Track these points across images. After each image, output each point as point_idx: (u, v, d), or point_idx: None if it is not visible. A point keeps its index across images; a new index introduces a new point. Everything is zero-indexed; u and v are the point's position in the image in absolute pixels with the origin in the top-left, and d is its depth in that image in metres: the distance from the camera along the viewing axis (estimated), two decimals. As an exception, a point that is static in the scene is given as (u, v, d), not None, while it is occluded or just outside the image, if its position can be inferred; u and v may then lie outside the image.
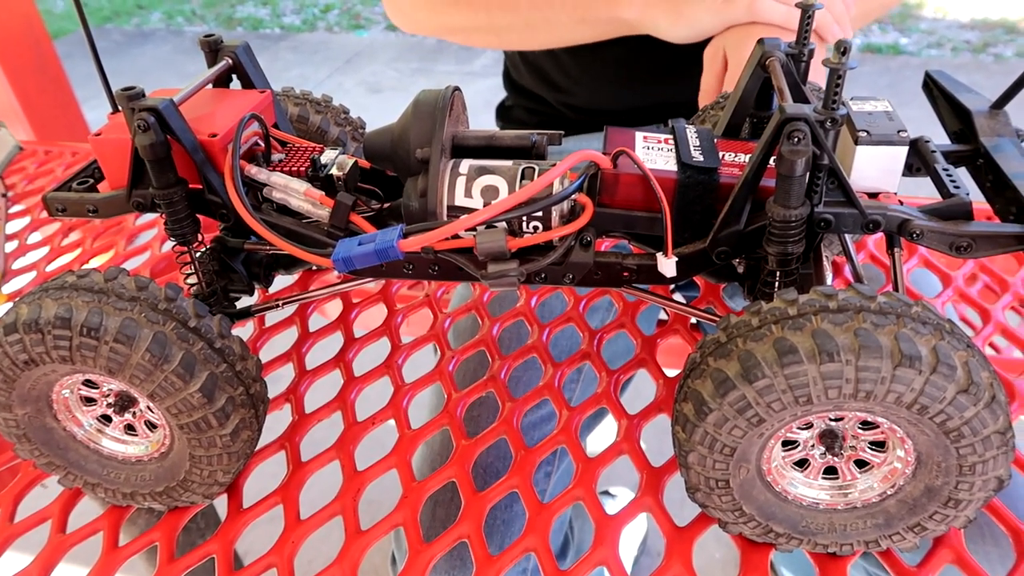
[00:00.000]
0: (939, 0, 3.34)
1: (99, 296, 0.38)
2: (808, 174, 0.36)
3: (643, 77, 0.82)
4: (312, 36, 3.55)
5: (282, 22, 3.75)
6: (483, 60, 3.13)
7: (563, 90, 0.86)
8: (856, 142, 0.39)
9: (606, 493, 1.14)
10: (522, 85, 0.91)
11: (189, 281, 0.47)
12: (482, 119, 0.80)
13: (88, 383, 0.42)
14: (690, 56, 0.79)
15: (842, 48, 0.34)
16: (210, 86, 0.46)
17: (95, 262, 0.70)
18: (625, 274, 0.44)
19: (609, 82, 0.83)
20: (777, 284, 0.40)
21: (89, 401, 0.43)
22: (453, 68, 3.09)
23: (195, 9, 3.98)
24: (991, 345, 0.64)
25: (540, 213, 0.40)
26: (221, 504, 0.46)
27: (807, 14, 0.43)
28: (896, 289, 0.42)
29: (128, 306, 0.38)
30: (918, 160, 0.44)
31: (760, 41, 0.44)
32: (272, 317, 0.58)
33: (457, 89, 0.43)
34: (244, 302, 0.51)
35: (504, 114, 0.96)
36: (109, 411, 0.43)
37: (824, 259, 0.42)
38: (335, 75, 3.12)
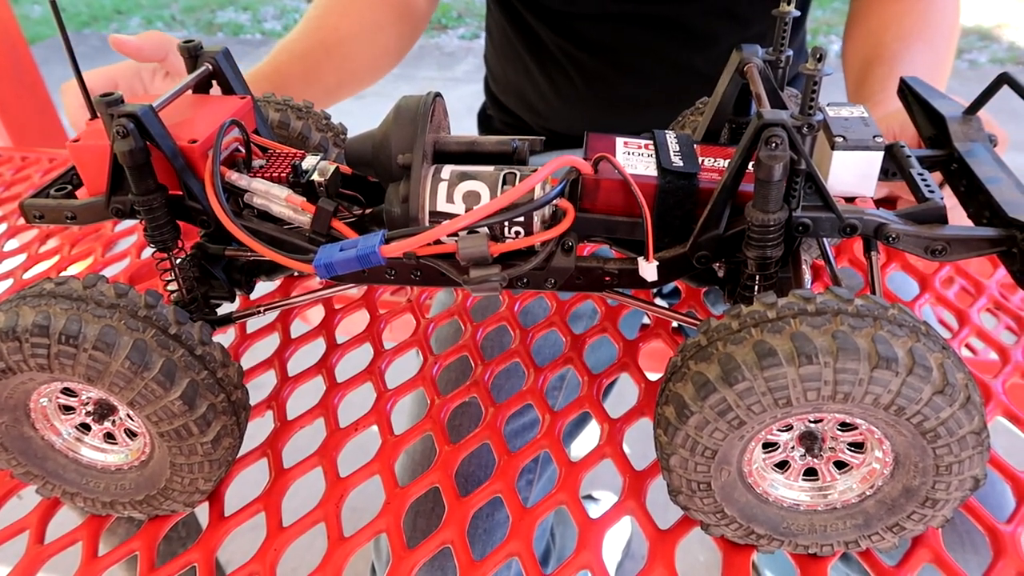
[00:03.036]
0: (915, 7, 3.38)
1: (78, 303, 0.37)
2: (786, 179, 0.36)
3: (621, 105, 0.82)
4: (293, 42, 3.53)
5: (263, 28, 3.73)
6: (465, 66, 3.13)
7: (540, 113, 0.86)
8: (833, 147, 0.40)
9: (589, 497, 1.14)
10: (502, 101, 0.91)
11: (169, 288, 0.46)
12: (464, 124, 0.80)
13: (67, 391, 0.41)
14: (668, 85, 0.80)
15: (818, 55, 0.34)
16: (190, 92, 0.46)
17: (73, 269, 0.69)
18: (607, 279, 0.44)
19: (588, 109, 0.83)
20: (756, 288, 0.40)
21: (68, 409, 0.42)
22: (435, 74, 3.09)
23: (175, 14, 3.95)
24: (967, 346, 0.65)
25: (522, 218, 0.40)
26: (203, 512, 0.46)
27: (783, 22, 0.43)
28: (873, 292, 0.43)
29: (107, 313, 0.37)
30: (893, 165, 0.44)
31: (738, 48, 0.44)
32: (254, 323, 0.58)
33: (438, 95, 0.43)
34: (225, 308, 0.51)
35: (484, 122, 0.96)
36: (88, 419, 0.42)
37: (803, 263, 0.43)
38: (316, 81, 3.10)
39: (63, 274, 0.49)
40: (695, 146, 0.43)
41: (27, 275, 0.68)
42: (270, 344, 0.57)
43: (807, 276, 0.43)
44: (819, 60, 0.34)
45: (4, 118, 1.30)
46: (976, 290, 0.60)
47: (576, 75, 0.80)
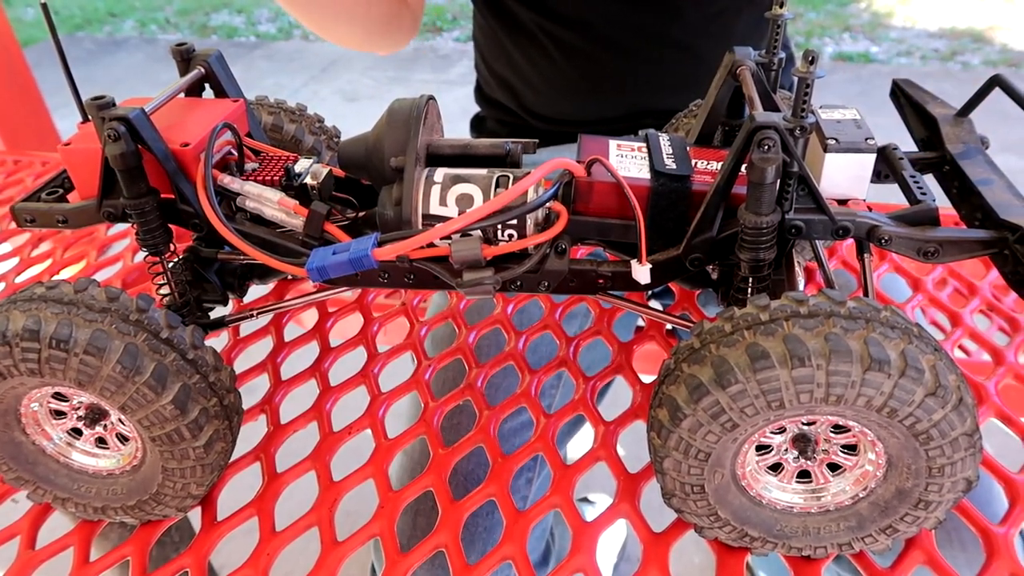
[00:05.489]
0: (909, 9, 3.41)
1: (69, 308, 0.37)
2: (778, 181, 0.36)
3: (603, 83, 0.82)
4: (287, 44, 3.54)
5: (257, 30, 3.73)
6: (459, 69, 3.14)
7: (528, 100, 0.86)
8: (825, 149, 0.40)
9: (585, 500, 1.14)
10: (492, 97, 0.91)
11: (162, 292, 0.46)
12: (458, 127, 0.80)
13: (58, 396, 0.41)
14: (646, 56, 0.80)
15: (810, 57, 0.34)
16: (182, 95, 0.46)
17: (66, 273, 0.69)
18: (600, 281, 0.44)
19: (573, 92, 0.83)
20: (750, 290, 0.40)
21: (59, 414, 0.42)
22: (429, 77, 3.09)
23: (168, 17, 3.95)
24: (961, 348, 0.65)
25: (515, 221, 0.40)
26: (195, 517, 0.45)
27: (776, 24, 0.43)
28: (866, 294, 0.43)
29: (98, 317, 0.37)
30: (886, 167, 0.44)
31: (731, 50, 0.44)
32: (247, 327, 0.58)
33: (432, 98, 0.43)
34: (218, 312, 0.50)
35: (477, 126, 0.96)
36: (79, 424, 0.42)
37: (796, 265, 0.43)
38: (311, 83, 3.11)
39: (55, 278, 0.49)
40: (688, 148, 0.43)
41: (19, 279, 0.68)
42: (263, 348, 0.57)
43: (800, 278, 0.43)
44: (811, 63, 0.34)
45: (-4, 121, 1.29)
46: (969, 292, 0.60)
47: (555, 51, 0.81)
